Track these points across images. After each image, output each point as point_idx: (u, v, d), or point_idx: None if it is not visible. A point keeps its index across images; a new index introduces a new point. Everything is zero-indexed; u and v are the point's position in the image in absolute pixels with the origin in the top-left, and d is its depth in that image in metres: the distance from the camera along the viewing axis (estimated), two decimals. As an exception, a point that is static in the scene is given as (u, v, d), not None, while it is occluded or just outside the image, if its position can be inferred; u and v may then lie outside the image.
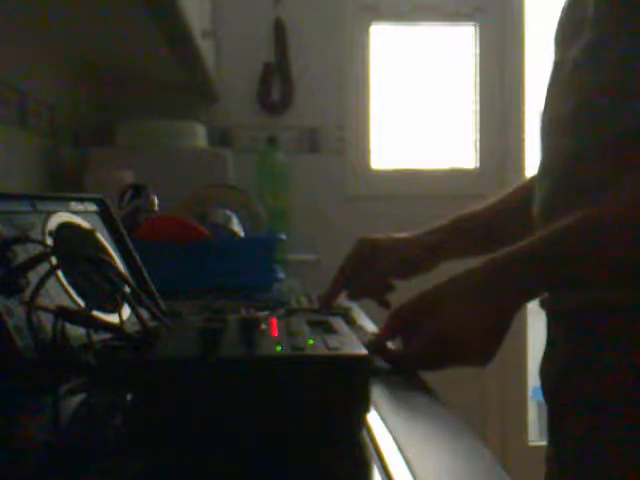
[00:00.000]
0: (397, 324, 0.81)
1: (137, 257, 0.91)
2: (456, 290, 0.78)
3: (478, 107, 2.90)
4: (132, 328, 0.73)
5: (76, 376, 0.65)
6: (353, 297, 1.11)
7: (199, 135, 2.30)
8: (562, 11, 0.91)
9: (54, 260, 0.72)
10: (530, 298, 0.79)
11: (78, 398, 0.64)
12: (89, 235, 0.85)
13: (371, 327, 1.03)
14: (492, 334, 0.76)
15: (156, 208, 1.56)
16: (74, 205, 0.86)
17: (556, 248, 0.76)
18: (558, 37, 0.91)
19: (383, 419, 0.59)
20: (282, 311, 1.07)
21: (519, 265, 0.76)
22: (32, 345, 0.64)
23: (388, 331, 0.82)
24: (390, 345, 0.83)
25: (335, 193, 2.81)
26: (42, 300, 0.68)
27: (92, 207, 0.90)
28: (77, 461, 0.51)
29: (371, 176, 2.86)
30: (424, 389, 0.72)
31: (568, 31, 0.88)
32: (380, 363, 0.79)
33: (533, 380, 2.85)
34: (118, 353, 0.69)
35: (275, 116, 2.78)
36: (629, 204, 0.73)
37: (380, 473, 0.48)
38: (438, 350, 0.77)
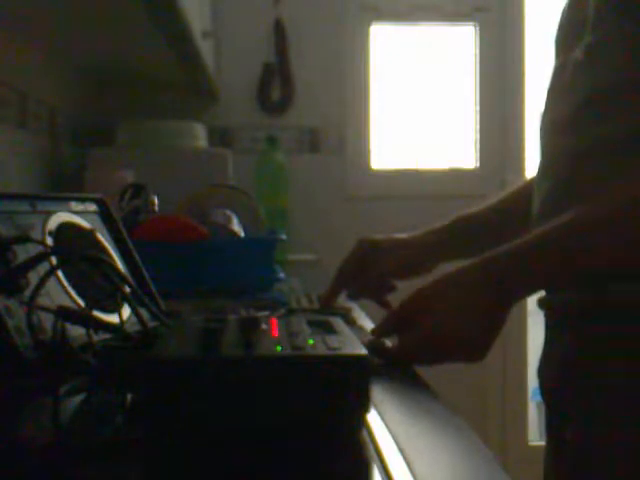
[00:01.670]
0: (394, 321, 0.82)
1: (137, 257, 0.91)
2: (451, 287, 0.78)
3: (478, 107, 2.90)
4: (132, 328, 0.73)
5: (76, 376, 0.65)
6: (353, 297, 1.11)
7: (199, 135, 2.30)
8: (562, 13, 0.91)
9: (54, 260, 0.72)
10: (524, 295, 0.79)
11: (78, 398, 0.64)
12: (89, 235, 0.85)
13: (371, 327, 1.03)
14: (486, 330, 0.76)
15: (156, 208, 1.55)
16: (74, 205, 0.86)
17: (550, 246, 0.76)
18: (559, 40, 0.91)
19: (383, 419, 0.59)
20: (282, 311, 1.07)
21: (513, 262, 0.77)
22: (32, 345, 0.64)
23: (385, 327, 0.83)
24: (388, 343, 0.83)
25: (335, 193, 2.81)
26: (42, 300, 0.68)
27: (92, 207, 0.90)
28: (77, 461, 0.51)
29: (371, 176, 2.86)
30: (424, 389, 0.72)
31: (569, 33, 0.88)
32: (377, 361, 0.79)
33: (533, 380, 2.85)
34: (118, 353, 0.69)
35: (275, 116, 2.78)
36: (623, 204, 0.73)
37: (380, 473, 0.48)
38: (433, 346, 0.77)
